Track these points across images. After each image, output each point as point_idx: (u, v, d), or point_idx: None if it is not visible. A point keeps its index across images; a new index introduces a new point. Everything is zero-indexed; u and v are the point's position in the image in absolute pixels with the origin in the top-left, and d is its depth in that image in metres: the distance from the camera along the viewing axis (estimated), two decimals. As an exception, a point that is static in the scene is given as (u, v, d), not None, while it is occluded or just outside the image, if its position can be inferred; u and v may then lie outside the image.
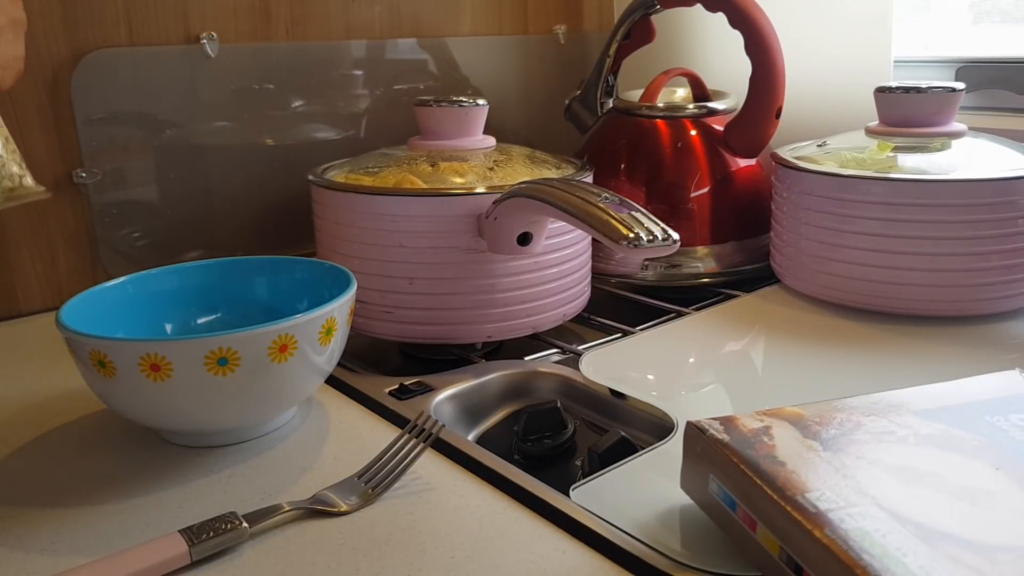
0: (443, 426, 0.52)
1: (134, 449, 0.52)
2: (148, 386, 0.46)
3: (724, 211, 0.84)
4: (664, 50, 0.99)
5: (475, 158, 0.70)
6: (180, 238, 0.85)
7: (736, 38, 0.80)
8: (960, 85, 0.75)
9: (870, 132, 0.77)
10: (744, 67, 0.80)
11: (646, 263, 0.83)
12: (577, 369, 0.63)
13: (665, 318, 0.75)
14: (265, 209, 0.89)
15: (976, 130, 0.76)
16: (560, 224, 0.66)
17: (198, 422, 0.51)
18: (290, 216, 0.90)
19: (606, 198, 0.55)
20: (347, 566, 0.41)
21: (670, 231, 0.53)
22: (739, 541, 0.39)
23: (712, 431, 0.42)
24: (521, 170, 0.70)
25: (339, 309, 0.51)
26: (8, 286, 0.77)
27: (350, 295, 0.53)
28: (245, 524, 0.42)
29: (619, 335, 0.71)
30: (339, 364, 0.58)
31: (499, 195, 0.62)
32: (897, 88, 0.75)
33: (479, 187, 0.65)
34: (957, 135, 0.74)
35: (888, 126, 0.76)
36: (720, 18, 0.80)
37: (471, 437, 0.60)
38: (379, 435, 0.54)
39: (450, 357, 0.69)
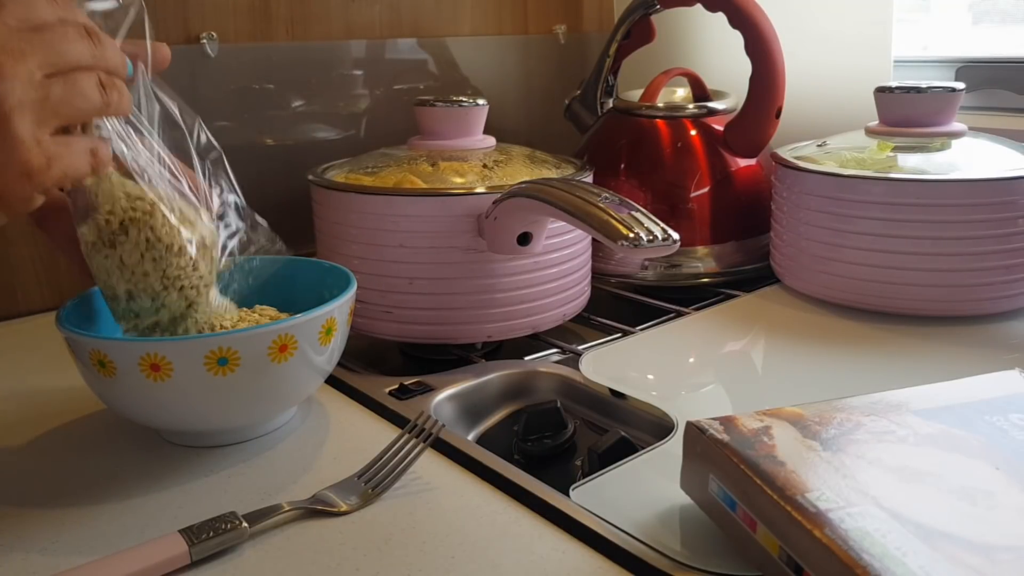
0: (443, 426, 0.52)
1: (134, 449, 0.52)
2: (148, 386, 0.46)
3: (724, 211, 0.84)
4: (664, 50, 0.99)
5: (475, 158, 0.70)
6: (180, 238, 0.84)
7: (736, 38, 0.80)
8: (960, 85, 0.75)
9: (870, 132, 0.77)
10: (744, 67, 0.80)
11: (646, 263, 0.83)
12: (577, 369, 0.63)
13: (665, 318, 0.75)
14: (265, 209, 0.89)
15: (976, 130, 0.76)
16: (560, 224, 0.66)
17: (198, 422, 0.51)
18: (290, 216, 0.90)
19: (606, 198, 0.55)
20: (347, 566, 0.41)
21: (670, 231, 0.53)
22: (739, 541, 0.39)
23: (712, 431, 0.42)
24: (521, 170, 0.70)
25: (339, 309, 0.51)
26: (8, 286, 0.77)
27: (350, 295, 0.53)
28: (245, 524, 0.42)
29: (619, 335, 0.71)
30: (339, 364, 0.58)
31: (499, 195, 0.62)
32: (897, 88, 0.75)
33: (479, 187, 0.65)
34: (957, 135, 0.74)
35: (888, 126, 0.76)
36: (720, 18, 0.80)
37: (471, 437, 0.60)
38: (379, 435, 0.54)
39: (450, 357, 0.69)
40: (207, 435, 0.52)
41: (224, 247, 0.55)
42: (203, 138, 0.51)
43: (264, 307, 0.56)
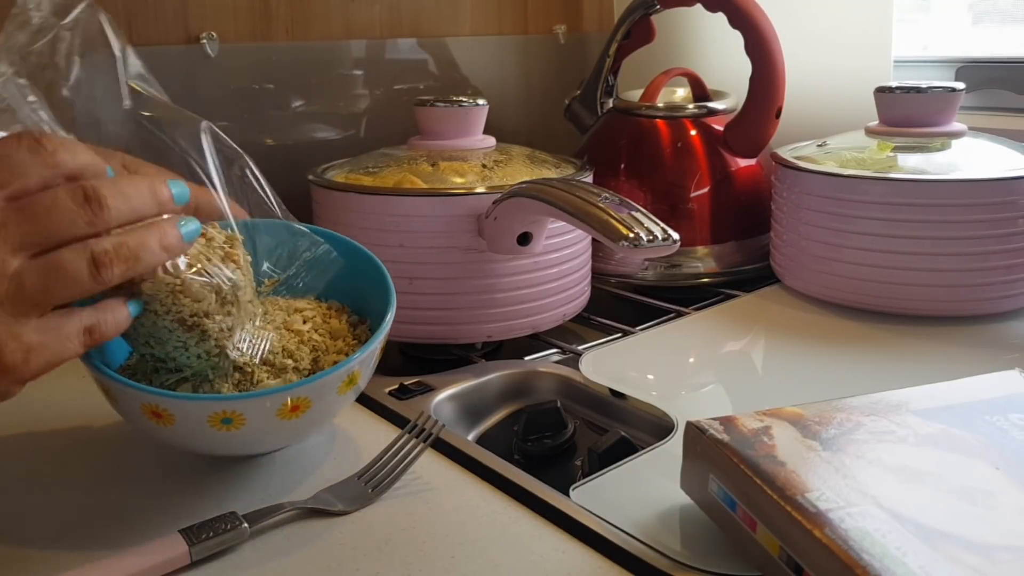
0: (443, 426, 0.52)
1: (134, 449, 0.52)
2: (151, 427, 0.44)
3: (724, 211, 0.84)
4: (664, 50, 0.99)
5: (475, 158, 0.70)
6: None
7: (736, 38, 0.80)
8: (960, 85, 0.75)
9: (870, 132, 0.77)
10: (744, 67, 0.80)
11: (646, 263, 0.83)
12: (577, 369, 0.63)
13: (665, 318, 0.75)
14: (265, 209, 0.89)
15: (976, 130, 0.76)
16: (560, 224, 0.66)
17: (199, 454, 0.50)
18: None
19: (606, 198, 0.55)
20: (347, 566, 0.41)
21: (670, 231, 0.53)
22: (739, 541, 0.39)
23: (712, 431, 0.42)
24: (521, 170, 0.70)
25: (364, 361, 0.47)
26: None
27: (378, 342, 0.48)
28: (245, 524, 0.42)
29: (619, 335, 0.71)
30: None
31: (499, 195, 0.62)
32: (897, 88, 0.75)
33: (479, 187, 0.65)
34: (957, 135, 0.74)
35: (888, 126, 0.76)
36: (720, 18, 0.80)
37: (471, 437, 0.60)
38: (379, 435, 0.54)
39: (450, 357, 0.69)
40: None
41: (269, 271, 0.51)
42: (213, 152, 0.46)
43: (305, 306, 0.52)
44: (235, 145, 0.47)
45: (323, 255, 0.52)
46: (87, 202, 0.36)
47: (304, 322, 0.51)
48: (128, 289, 0.41)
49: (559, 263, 0.68)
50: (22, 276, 0.35)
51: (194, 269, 0.42)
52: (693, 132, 0.84)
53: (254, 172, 0.48)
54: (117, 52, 0.44)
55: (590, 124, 0.92)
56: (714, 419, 0.43)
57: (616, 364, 0.65)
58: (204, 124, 0.46)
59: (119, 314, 0.39)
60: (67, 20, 0.41)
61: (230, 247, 0.45)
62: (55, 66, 0.41)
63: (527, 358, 0.68)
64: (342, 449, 0.52)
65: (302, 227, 0.52)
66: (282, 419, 0.44)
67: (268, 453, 0.51)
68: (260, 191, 0.49)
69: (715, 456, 0.41)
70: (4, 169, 0.35)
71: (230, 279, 0.44)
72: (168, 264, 0.41)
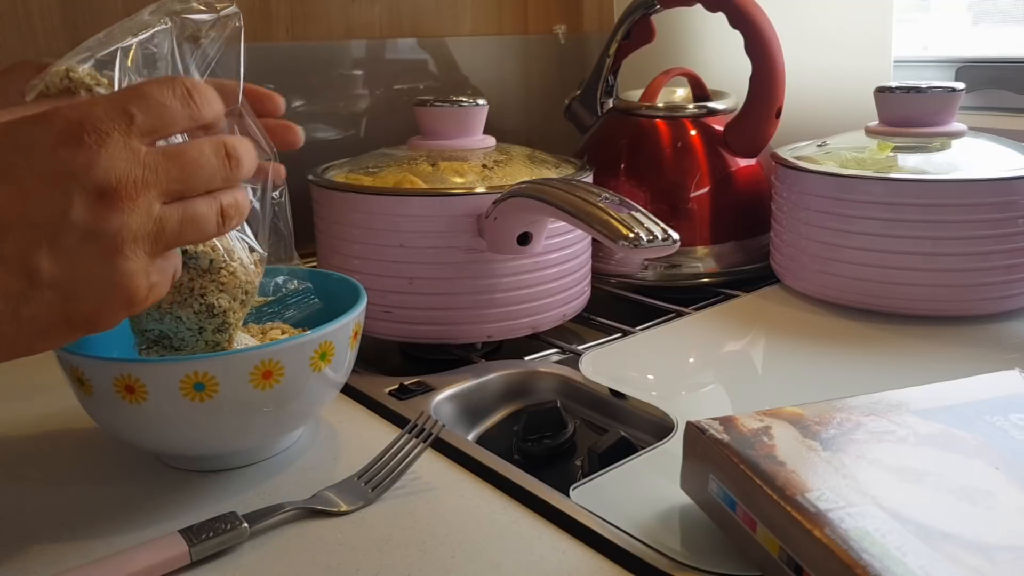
0: (443, 426, 0.52)
1: (134, 449, 0.52)
2: (124, 407, 0.44)
3: (724, 211, 0.84)
4: (664, 50, 0.99)
5: (475, 158, 0.70)
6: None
7: (736, 38, 0.80)
8: (960, 85, 0.75)
9: (870, 132, 0.77)
10: (744, 67, 0.80)
11: (646, 263, 0.83)
12: (577, 369, 0.63)
13: (665, 318, 0.75)
14: (265, 209, 0.89)
15: (976, 130, 0.76)
16: (560, 224, 0.66)
17: (178, 446, 0.49)
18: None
19: (606, 198, 0.55)
20: (347, 566, 0.41)
21: (670, 231, 0.53)
22: (739, 541, 0.39)
23: (712, 431, 0.42)
24: (521, 170, 0.70)
25: (337, 333, 0.47)
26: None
27: (352, 316, 0.48)
28: (245, 524, 0.42)
29: (619, 335, 0.71)
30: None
31: (499, 195, 0.62)
32: (897, 88, 0.75)
33: (479, 187, 0.65)
34: (957, 135, 0.74)
35: (888, 126, 0.76)
36: (720, 18, 0.80)
37: (471, 437, 0.60)
38: (379, 435, 0.54)
39: (450, 357, 0.69)
40: (199, 459, 0.50)
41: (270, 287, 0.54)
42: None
43: (278, 325, 0.54)
44: (284, 174, 0.50)
45: (305, 295, 0.55)
46: (227, 159, 0.38)
47: (282, 333, 0.53)
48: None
49: (559, 263, 0.68)
50: (164, 220, 0.37)
51: (238, 260, 0.45)
52: (693, 132, 0.84)
53: (286, 201, 0.50)
54: (241, 55, 0.47)
55: (590, 124, 0.92)
56: (714, 419, 0.43)
57: (616, 364, 0.65)
58: (273, 149, 0.49)
59: (178, 259, 0.41)
60: (226, 11, 0.45)
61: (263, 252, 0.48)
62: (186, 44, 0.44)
63: (527, 358, 0.68)
64: (342, 449, 0.52)
65: (300, 268, 0.55)
66: (256, 388, 0.44)
67: (256, 463, 0.50)
68: (284, 217, 0.51)
69: (715, 456, 0.41)
70: (156, 117, 0.36)
71: (255, 279, 0.46)
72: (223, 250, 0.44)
